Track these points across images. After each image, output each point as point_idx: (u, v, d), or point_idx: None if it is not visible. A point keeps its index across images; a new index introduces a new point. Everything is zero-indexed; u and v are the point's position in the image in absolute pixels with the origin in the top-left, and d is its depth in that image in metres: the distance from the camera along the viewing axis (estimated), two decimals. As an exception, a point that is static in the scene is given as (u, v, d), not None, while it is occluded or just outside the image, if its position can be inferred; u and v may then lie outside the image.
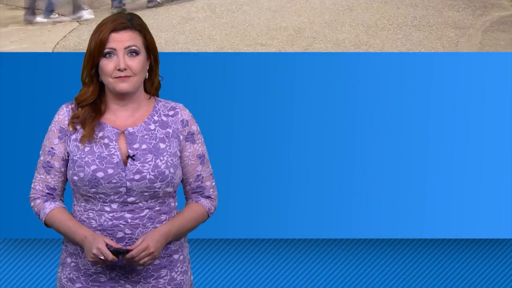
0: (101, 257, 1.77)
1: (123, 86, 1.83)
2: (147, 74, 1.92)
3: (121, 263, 1.87)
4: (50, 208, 1.92)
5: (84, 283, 1.94)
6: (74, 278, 1.94)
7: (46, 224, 1.96)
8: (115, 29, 1.84)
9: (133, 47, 1.83)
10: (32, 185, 1.97)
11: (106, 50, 1.82)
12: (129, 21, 1.86)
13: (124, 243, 1.87)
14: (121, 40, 1.83)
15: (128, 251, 1.79)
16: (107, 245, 1.78)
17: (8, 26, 6.68)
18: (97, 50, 1.83)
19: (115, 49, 1.82)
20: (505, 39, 5.84)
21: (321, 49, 5.52)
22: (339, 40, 5.83)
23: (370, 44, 5.68)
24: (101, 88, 1.91)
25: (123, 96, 1.89)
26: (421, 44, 5.59)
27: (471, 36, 5.99)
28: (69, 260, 1.96)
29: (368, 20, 6.60)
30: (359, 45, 5.64)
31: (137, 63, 1.84)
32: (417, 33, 5.80)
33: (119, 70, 1.82)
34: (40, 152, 1.96)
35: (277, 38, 5.93)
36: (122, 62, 1.82)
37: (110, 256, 1.78)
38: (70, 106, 1.93)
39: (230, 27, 6.43)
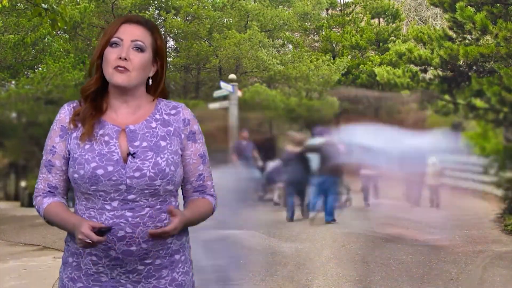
0: (87, 240, 1.67)
1: (118, 78, 1.79)
2: (151, 80, 1.88)
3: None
4: (47, 203, 1.84)
5: (85, 282, 1.81)
6: (76, 277, 1.82)
7: (46, 220, 1.85)
8: (128, 21, 1.84)
9: (140, 42, 1.82)
10: (36, 185, 1.88)
11: (113, 39, 1.81)
12: (143, 19, 1.87)
13: (125, 242, 1.75)
14: (130, 32, 1.82)
15: (110, 228, 1.71)
16: (93, 228, 1.68)
17: (9, 262, 6.70)
18: (106, 39, 1.81)
19: (121, 40, 1.81)
20: (505, 275, 5.86)
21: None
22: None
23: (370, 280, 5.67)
24: (104, 86, 1.86)
25: (122, 92, 1.83)
26: (422, 280, 5.59)
27: (471, 272, 6.04)
28: (70, 259, 1.84)
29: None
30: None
31: (140, 59, 1.81)
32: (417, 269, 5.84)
33: (119, 59, 1.79)
34: (43, 152, 1.88)
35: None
36: (124, 52, 1.79)
37: (95, 237, 1.66)
38: (71, 105, 1.89)
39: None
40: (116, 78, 1.79)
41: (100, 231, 1.69)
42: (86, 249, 1.77)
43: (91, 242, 1.68)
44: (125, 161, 1.78)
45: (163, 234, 1.73)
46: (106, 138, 1.81)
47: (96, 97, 1.86)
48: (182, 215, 1.77)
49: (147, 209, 1.79)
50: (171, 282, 1.86)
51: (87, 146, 1.80)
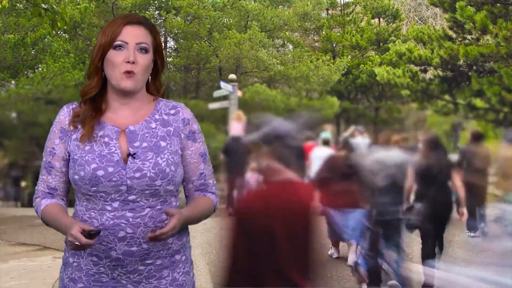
0: (77, 243, 1.66)
1: (127, 84, 1.79)
2: (150, 78, 1.88)
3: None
4: (45, 205, 1.83)
5: (86, 283, 1.80)
6: (76, 278, 1.82)
7: (43, 221, 1.85)
8: (129, 22, 1.83)
9: (144, 44, 1.82)
10: (36, 187, 1.89)
11: (118, 43, 1.80)
12: (143, 18, 1.87)
13: (125, 242, 1.76)
14: (134, 34, 1.81)
15: (99, 231, 1.71)
16: (83, 230, 1.68)
17: (9, 262, 6.69)
18: (109, 41, 1.80)
19: (127, 43, 1.80)
20: (505, 275, 5.85)
21: None
22: None
23: None
24: (103, 86, 1.86)
25: (125, 94, 1.83)
26: None
27: (471, 272, 6.02)
28: (71, 260, 1.84)
29: None
30: None
31: (145, 60, 1.82)
32: None
33: (127, 62, 1.78)
34: (43, 154, 1.88)
35: None
36: (132, 55, 1.78)
37: (83, 240, 1.65)
38: (71, 107, 1.88)
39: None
40: (124, 83, 1.79)
41: (89, 234, 1.69)
42: (81, 250, 1.78)
43: (80, 244, 1.67)
44: (125, 161, 1.78)
45: (161, 235, 1.73)
46: (106, 139, 1.81)
47: (95, 98, 1.86)
48: (180, 214, 1.77)
49: (148, 209, 1.79)
50: (172, 282, 1.86)
51: (87, 148, 1.80)
